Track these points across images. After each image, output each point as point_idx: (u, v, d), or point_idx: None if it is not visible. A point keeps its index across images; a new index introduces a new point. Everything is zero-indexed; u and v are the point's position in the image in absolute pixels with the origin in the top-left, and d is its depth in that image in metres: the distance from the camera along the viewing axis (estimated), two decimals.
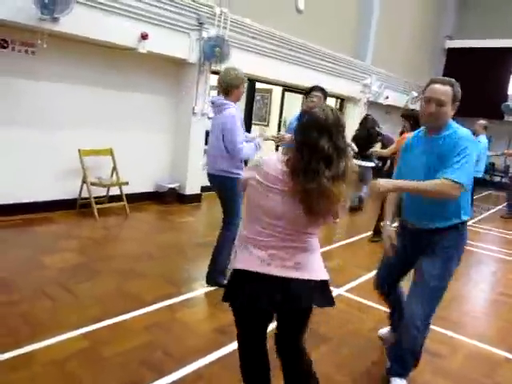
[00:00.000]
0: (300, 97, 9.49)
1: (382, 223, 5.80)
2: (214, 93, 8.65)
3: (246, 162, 3.82)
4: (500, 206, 9.25)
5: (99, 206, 5.57)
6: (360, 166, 6.96)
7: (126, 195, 5.86)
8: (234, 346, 2.78)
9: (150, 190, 6.68)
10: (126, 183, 5.82)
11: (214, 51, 6.27)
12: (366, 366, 2.83)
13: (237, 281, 1.92)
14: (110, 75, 5.84)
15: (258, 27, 7.16)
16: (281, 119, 9.51)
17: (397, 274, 2.72)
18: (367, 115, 7.92)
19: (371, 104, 10.73)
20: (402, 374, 2.49)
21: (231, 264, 1.73)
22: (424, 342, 2.63)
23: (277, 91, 10.05)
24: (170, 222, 5.91)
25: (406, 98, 11.97)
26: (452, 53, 13.96)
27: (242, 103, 7.44)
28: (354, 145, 6.76)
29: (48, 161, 5.35)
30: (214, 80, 7.79)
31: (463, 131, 2.27)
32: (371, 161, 7.19)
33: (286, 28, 7.86)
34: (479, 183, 7.78)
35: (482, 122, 7.80)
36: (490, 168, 12.53)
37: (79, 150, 5.46)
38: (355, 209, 7.48)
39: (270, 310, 1.94)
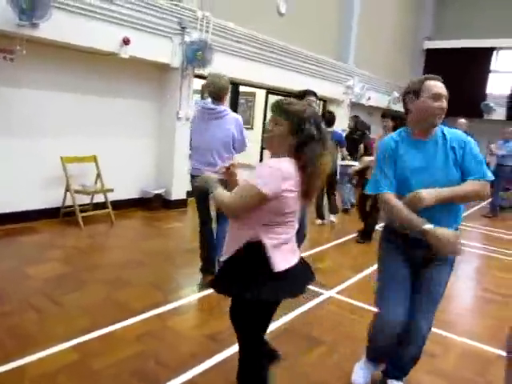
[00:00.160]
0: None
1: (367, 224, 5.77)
2: (197, 97, 8.65)
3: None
4: (484, 203, 9.39)
5: (84, 214, 5.47)
6: (349, 167, 6.99)
7: (111, 202, 5.77)
8: (228, 352, 2.77)
9: (135, 196, 6.60)
10: (111, 190, 5.73)
11: (196, 55, 6.24)
12: None
13: (279, 279, 1.92)
14: (92, 81, 5.75)
15: (241, 31, 7.15)
16: (265, 122, 9.51)
17: (408, 295, 2.31)
18: (355, 116, 7.99)
19: (354, 105, 10.82)
20: (400, 377, 2.48)
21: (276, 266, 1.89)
22: None
23: (260, 94, 10.05)
24: (157, 228, 5.84)
25: (387, 98, 12.11)
26: (431, 53, 14.18)
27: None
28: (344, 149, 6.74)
29: (30, 169, 5.24)
30: (197, 84, 7.79)
31: (452, 129, 2.27)
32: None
33: (269, 31, 7.87)
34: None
35: (464, 120, 7.96)
36: None
37: (62, 158, 5.36)
38: (346, 210, 7.50)
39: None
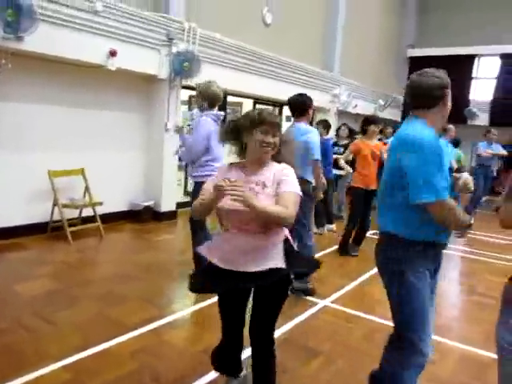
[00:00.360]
0: (270, 109, 9.56)
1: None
2: (185, 108, 8.63)
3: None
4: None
5: (72, 229, 5.38)
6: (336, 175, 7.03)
7: (100, 216, 5.69)
8: None
9: (124, 208, 6.52)
10: (100, 203, 5.65)
11: (183, 66, 6.23)
12: (361, 379, 2.77)
13: None
14: (79, 93, 5.70)
15: (228, 41, 7.17)
16: None
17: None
18: (344, 124, 8.05)
19: (341, 113, 10.91)
20: None
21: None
22: None
23: (247, 104, 10.07)
24: (147, 240, 5.77)
25: (373, 106, 12.25)
26: (414, 61, 14.40)
27: None
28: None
29: (17, 184, 5.15)
30: (184, 95, 7.78)
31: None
32: (342, 169, 7.25)
33: (255, 41, 7.91)
34: None
35: (452, 126, 8.09)
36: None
37: (49, 171, 5.28)
38: (339, 217, 7.50)
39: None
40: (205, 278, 2.16)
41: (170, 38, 6.17)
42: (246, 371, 2.50)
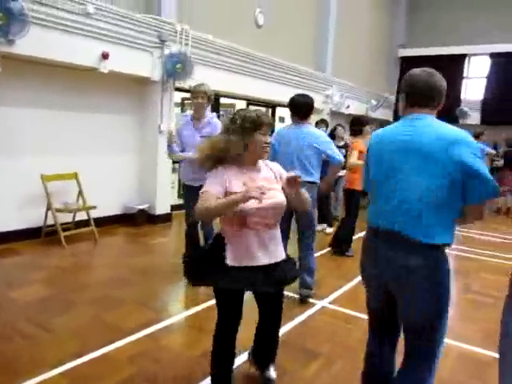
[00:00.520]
0: (263, 110, 9.55)
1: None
2: (178, 110, 8.59)
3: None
4: None
5: (66, 233, 5.33)
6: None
7: (94, 219, 5.64)
8: None
9: (118, 212, 6.48)
10: (94, 207, 5.61)
11: (175, 68, 6.21)
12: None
13: None
14: (72, 97, 5.65)
15: (220, 43, 7.16)
16: None
17: None
18: (338, 125, 8.05)
19: (333, 114, 10.93)
20: None
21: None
22: None
23: (240, 105, 10.04)
24: (142, 244, 5.73)
25: (365, 106, 12.30)
26: (406, 61, 14.50)
27: None
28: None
29: (9, 188, 5.09)
30: (178, 97, 7.74)
31: None
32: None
33: (248, 43, 7.91)
34: None
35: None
36: None
37: (42, 176, 5.23)
38: (334, 217, 7.51)
39: None
40: (216, 276, 2.16)
41: (162, 39, 6.15)
42: None
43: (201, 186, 2.18)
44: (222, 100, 8.52)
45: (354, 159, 5.28)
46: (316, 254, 5.51)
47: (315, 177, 3.89)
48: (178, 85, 6.57)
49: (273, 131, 3.14)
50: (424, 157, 1.86)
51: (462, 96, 13.98)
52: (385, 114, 13.58)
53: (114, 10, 5.49)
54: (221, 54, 7.22)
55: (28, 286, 3.97)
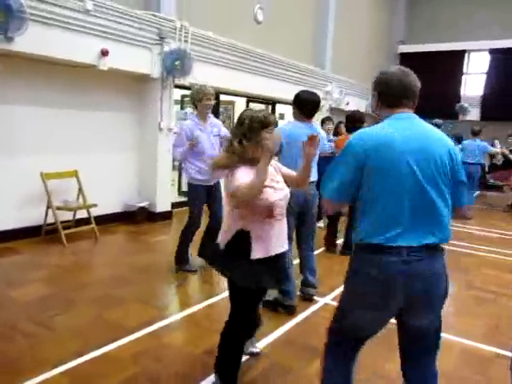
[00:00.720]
0: (263, 107, 9.53)
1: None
2: (177, 107, 8.57)
3: None
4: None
5: (66, 231, 5.31)
6: None
7: (94, 217, 5.62)
8: None
9: (119, 210, 6.45)
10: (95, 205, 5.58)
11: (174, 65, 6.18)
12: (366, 378, 2.75)
13: None
14: (71, 95, 5.62)
15: (220, 39, 7.12)
16: None
17: None
18: (340, 122, 8.04)
19: (333, 110, 10.90)
20: None
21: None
22: None
23: (239, 103, 10.01)
24: (143, 242, 5.71)
25: (366, 102, 12.26)
26: (405, 57, 14.47)
27: None
28: None
29: (9, 187, 5.06)
30: (177, 94, 7.71)
31: None
32: None
33: (247, 39, 7.88)
34: None
35: (437, 120, 8.21)
36: None
37: (42, 174, 5.20)
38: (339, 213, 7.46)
39: None
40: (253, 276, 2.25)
41: (161, 36, 6.12)
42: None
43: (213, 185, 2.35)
44: (222, 97, 8.48)
45: None
46: (315, 252, 5.52)
47: (316, 175, 3.86)
48: (177, 82, 6.53)
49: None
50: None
51: (462, 92, 13.97)
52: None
53: (113, 6, 5.46)
54: (220, 51, 7.19)
55: (28, 284, 3.96)
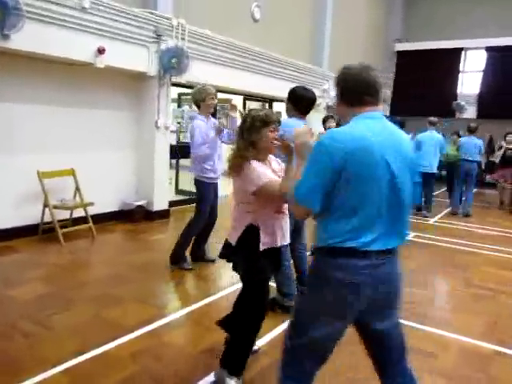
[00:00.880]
0: (260, 104, 9.52)
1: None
2: (175, 105, 8.53)
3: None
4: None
5: (64, 230, 5.28)
6: None
7: (91, 216, 5.60)
8: None
9: (116, 208, 6.43)
10: (92, 204, 5.56)
11: (171, 63, 6.15)
12: (360, 379, 2.73)
13: None
14: (68, 93, 5.59)
15: (217, 37, 7.10)
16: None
17: None
18: (330, 116, 8.03)
19: (330, 108, 10.89)
20: None
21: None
22: None
23: (236, 101, 9.96)
24: (141, 240, 5.69)
25: None
26: (402, 55, 14.45)
27: None
28: None
29: (6, 185, 5.03)
30: (174, 92, 7.68)
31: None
32: None
33: (245, 37, 7.86)
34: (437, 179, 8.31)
35: (432, 118, 8.21)
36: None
37: (38, 172, 5.17)
38: None
39: None
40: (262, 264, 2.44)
41: (158, 34, 6.09)
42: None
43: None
44: (219, 95, 8.45)
45: None
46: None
47: None
48: (174, 80, 6.51)
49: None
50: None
51: (459, 90, 13.95)
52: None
53: (110, 4, 5.42)
54: (217, 49, 7.16)
55: (26, 283, 3.93)
